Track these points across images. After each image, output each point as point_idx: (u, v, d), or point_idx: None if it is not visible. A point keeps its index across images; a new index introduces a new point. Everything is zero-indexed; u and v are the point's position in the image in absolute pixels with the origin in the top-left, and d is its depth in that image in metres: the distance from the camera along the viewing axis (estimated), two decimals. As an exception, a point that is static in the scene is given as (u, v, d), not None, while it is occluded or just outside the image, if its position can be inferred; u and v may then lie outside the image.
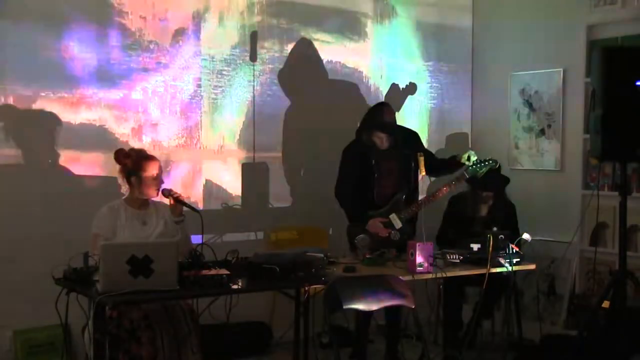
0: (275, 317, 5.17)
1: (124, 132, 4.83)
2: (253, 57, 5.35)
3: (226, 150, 5.28)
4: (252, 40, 5.34)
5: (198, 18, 5.11)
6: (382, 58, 5.96)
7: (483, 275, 4.37)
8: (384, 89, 5.98)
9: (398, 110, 5.88)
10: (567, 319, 5.47)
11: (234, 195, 5.34)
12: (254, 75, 5.35)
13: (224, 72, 5.24)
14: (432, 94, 6.25)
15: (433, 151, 5.38)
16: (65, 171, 4.67)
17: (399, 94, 6.03)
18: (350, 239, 4.81)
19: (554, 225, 5.54)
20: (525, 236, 4.69)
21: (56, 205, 4.55)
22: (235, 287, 3.49)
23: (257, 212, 5.42)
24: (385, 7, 5.97)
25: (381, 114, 4.83)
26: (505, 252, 4.51)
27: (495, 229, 4.58)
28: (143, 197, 3.96)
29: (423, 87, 6.18)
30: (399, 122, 5.07)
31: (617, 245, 4.17)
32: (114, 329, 3.54)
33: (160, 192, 3.97)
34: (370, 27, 5.90)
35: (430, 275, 4.28)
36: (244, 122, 5.34)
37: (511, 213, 5.20)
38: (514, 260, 4.50)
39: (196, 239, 3.90)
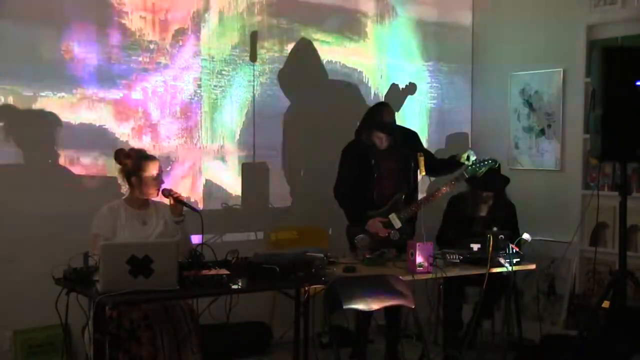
0: (275, 317, 5.17)
1: (124, 132, 4.83)
2: (253, 57, 5.35)
3: (226, 150, 5.28)
4: (252, 40, 5.34)
5: (198, 18, 5.11)
6: (382, 58, 5.96)
7: (483, 275, 4.37)
8: (384, 89, 5.98)
9: (398, 110, 5.88)
10: (567, 319, 5.47)
11: (234, 195, 5.34)
12: (254, 75, 5.35)
13: (224, 72, 5.24)
14: (432, 94, 6.25)
15: (433, 151, 5.38)
16: (65, 171, 4.67)
17: (398, 94, 6.03)
18: (350, 239, 4.81)
19: (554, 225, 5.54)
20: (525, 236, 4.69)
21: (56, 205, 4.55)
22: (235, 287, 3.49)
23: (257, 212, 5.42)
24: (385, 7, 5.97)
25: (381, 114, 4.83)
26: (505, 252, 4.51)
27: (495, 229, 4.58)
28: (143, 197, 3.96)
29: (423, 87, 6.18)
30: (399, 122, 5.07)
31: (617, 245, 4.18)
32: (114, 329, 3.54)
33: (160, 192, 3.97)
34: (370, 27, 5.90)
35: (430, 275, 4.28)
36: (244, 122, 5.34)
37: (511, 213, 5.20)
38: (514, 260, 4.50)
39: (196, 239, 3.90)
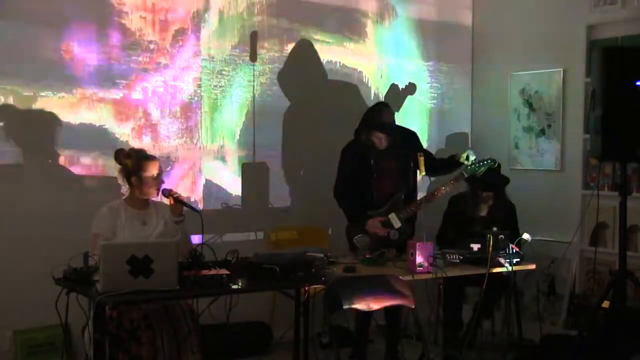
0: (275, 317, 5.17)
1: (124, 132, 4.83)
2: (253, 57, 5.35)
3: (226, 150, 5.29)
4: (252, 40, 5.34)
5: (198, 18, 5.11)
6: (382, 58, 5.96)
7: (483, 275, 4.37)
8: (383, 89, 5.98)
9: (398, 110, 5.89)
10: (567, 319, 5.47)
11: (234, 195, 5.34)
12: (254, 75, 5.35)
13: (224, 72, 5.24)
14: (432, 94, 6.25)
15: (433, 151, 5.38)
16: (65, 171, 4.67)
17: (398, 94, 6.03)
18: (350, 239, 4.82)
19: (554, 225, 5.54)
20: (525, 236, 4.69)
21: (56, 205, 4.55)
22: (235, 287, 3.49)
23: (257, 212, 5.42)
24: (385, 7, 5.97)
25: (380, 114, 4.82)
26: (505, 252, 4.51)
27: (495, 229, 4.58)
28: (143, 197, 3.96)
29: (423, 87, 6.18)
30: (398, 123, 5.07)
31: (617, 245, 4.18)
32: (114, 329, 3.54)
33: (160, 192, 3.97)
34: (370, 27, 5.90)
35: (430, 275, 4.27)
36: (244, 122, 5.34)
37: (511, 213, 5.20)
38: (514, 260, 4.50)
39: (196, 239, 3.90)
